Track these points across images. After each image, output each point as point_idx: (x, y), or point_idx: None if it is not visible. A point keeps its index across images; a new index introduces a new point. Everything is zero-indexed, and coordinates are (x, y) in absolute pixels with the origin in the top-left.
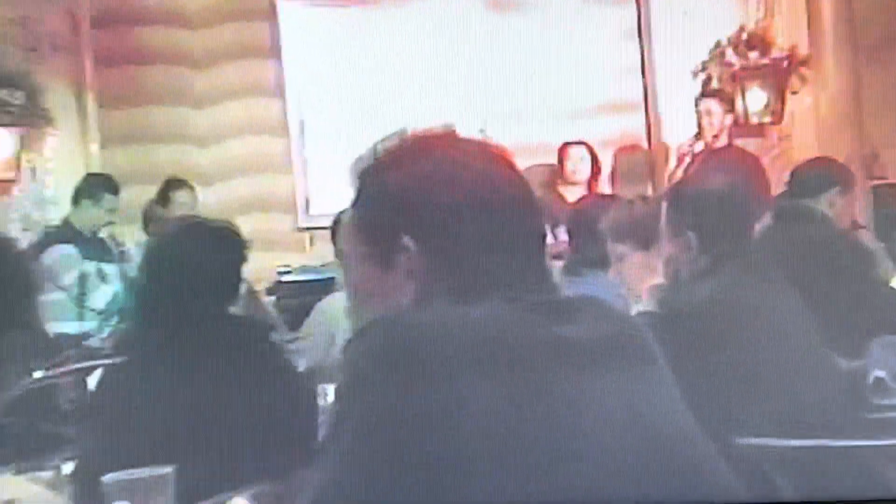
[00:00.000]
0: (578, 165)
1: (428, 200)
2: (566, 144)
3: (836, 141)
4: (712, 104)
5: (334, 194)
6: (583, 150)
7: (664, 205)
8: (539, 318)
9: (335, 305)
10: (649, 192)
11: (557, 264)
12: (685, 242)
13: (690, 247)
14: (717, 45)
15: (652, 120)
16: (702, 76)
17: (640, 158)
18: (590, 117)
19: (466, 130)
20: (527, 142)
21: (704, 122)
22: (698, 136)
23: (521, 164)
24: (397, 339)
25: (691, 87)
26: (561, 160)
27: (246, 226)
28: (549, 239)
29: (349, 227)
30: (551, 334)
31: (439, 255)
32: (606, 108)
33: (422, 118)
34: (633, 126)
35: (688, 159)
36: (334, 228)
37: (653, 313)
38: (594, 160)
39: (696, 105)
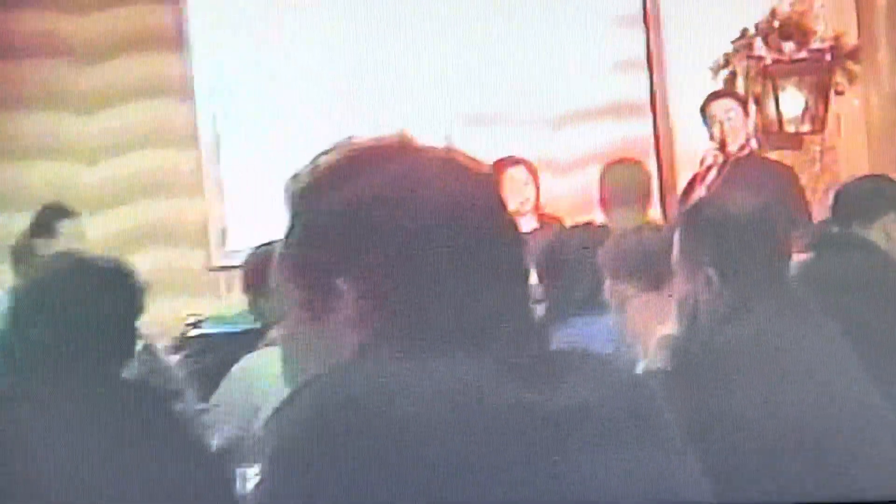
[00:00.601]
0: (523, 191)
1: (372, 228)
2: (502, 162)
3: (892, 153)
4: (729, 104)
5: (258, 223)
6: (523, 172)
7: (677, 233)
8: (518, 379)
9: (259, 366)
10: (654, 216)
11: (542, 309)
12: (704, 280)
13: (711, 285)
14: (744, 33)
15: (661, 127)
16: (724, 73)
17: (636, 175)
18: (581, 122)
19: (428, 138)
20: (503, 153)
21: (718, 129)
22: (720, 146)
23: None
24: (333, 406)
25: (710, 86)
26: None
27: (144, 264)
28: (534, 277)
29: (279, 265)
30: (533, 399)
31: (387, 299)
32: (603, 111)
33: (372, 124)
34: (636, 134)
35: (712, 174)
36: (250, 268)
37: (664, 371)
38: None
39: (704, 110)
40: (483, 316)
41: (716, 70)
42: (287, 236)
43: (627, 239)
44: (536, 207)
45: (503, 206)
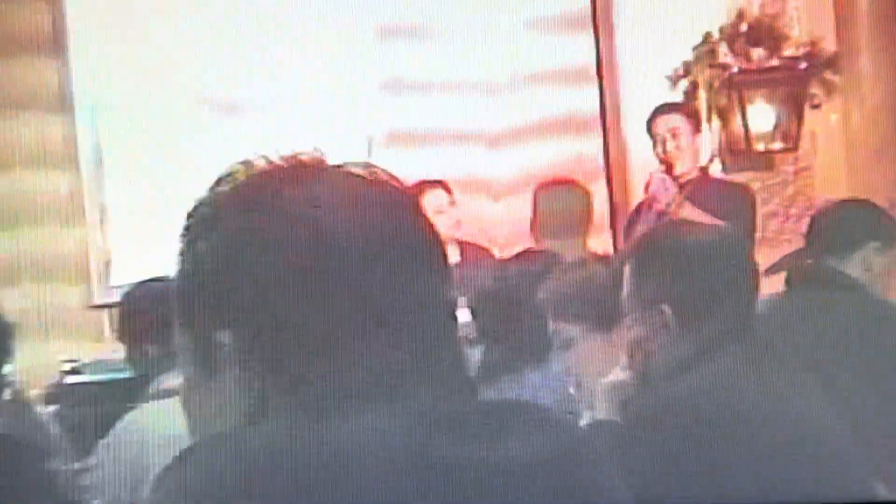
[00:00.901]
0: (443, 217)
1: (264, 268)
2: (418, 185)
3: (874, 175)
4: (675, 121)
5: (147, 255)
6: (443, 196)
7: (627, 266)
8: (444, 435)
9: (148, 421)
10: (600, 247)
11: (474, 353)
12: (659, 320)
13: (666, 326)
14: (706, 38)
15: (612, 144)
16: (684, 84)
17: (574, 199)
18: (521, 139)
19: (345, 156)
20: (430, 174)
21: (665, 147)
22: (666, 169)
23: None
24: (220, 471)
25: (669, 98)
26: None
27: (14, 301)
28: (464, 315)
29: (173, 309)
30: (461, 457)
31: (281, 354)
32: (546, 126)
33: (279, 141)
34: (584, 152)
35: (661, 200)
36: (128, 308)
37: (613, 423)
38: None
39: (650, 125)
40: (404, 363)
41: (674, 80)
42: (176, 277)
43: (571, 273)
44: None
45: (431, 233)
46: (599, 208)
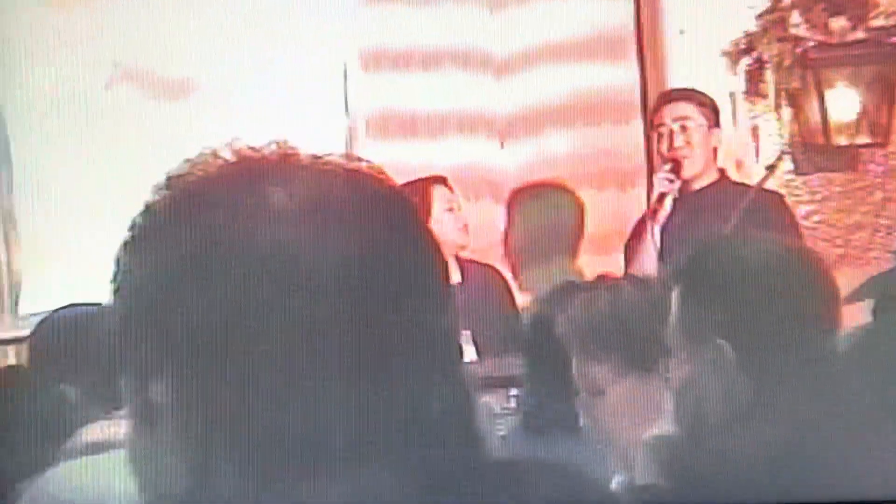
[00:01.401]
0: (455, 224)
1: (218, 294)
2: (429, 181)
3: None
4: (685, 111)
5: (67, 279)
6: (454, 196)
7: (676, 290)
8: (445, 501)
9: (70, 481)
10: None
11: (484, 400)
12: (714, 358)
13: (724, 366)
14: (775, 5)
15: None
16: (746, 61)
17: (564, 209)
18: (534, 126)
19: (322, 148)
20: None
21: (672, 142)
22: (672, 170)
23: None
24: None
25: (726, 80)
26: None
27: None
28: (469, 352)
29: (106, 341)
30: None
31: (230, 407)
32: (576, 103)
33: (243, 130)
34: (616, 144)
35: (665, 210)
36: (41, 341)
37: (656, 487)
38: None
39: (653, 116)
40: (394, 412)
41: (734, 56)
42: (110, 307)
43: (600, 300)
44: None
45: (432, 247)
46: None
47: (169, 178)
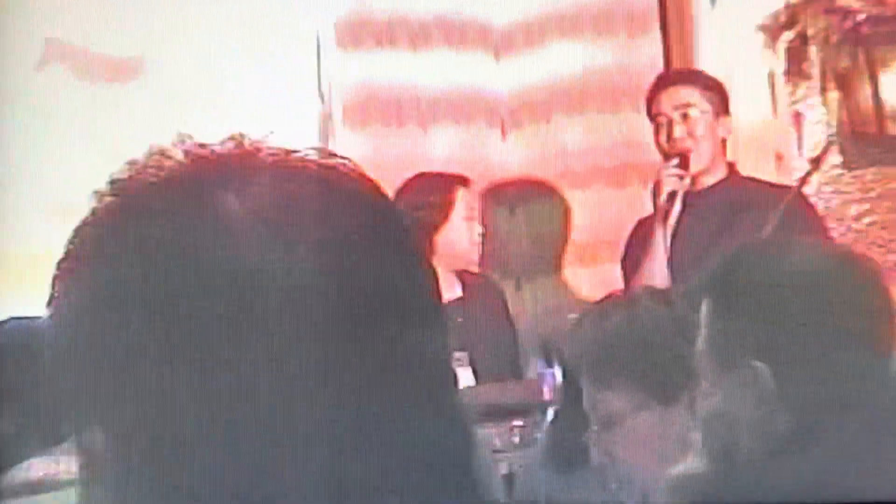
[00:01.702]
0: (466, 231)
1: (167, 320)
2: (455, 181)
3: None
4: (689, 95)
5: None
6: (470, 199)
7: (705, 306)
8: None
9: None
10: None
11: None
12: (748, 382)
13: (759, 391)
14: None
15: None
16: (787, 36)
17: (546, 213)
18: (544, 108)
19: (292, 142)
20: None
21: (672, 133)
22: (680, 164)
23: None
24: None
25: (763, 59)
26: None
27: None
28: (466, 377)
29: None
30: None
31: (177, 457)
32: (589, 92)
33: (191, 121)
34: (637, 131)
35: (675, 209)
36: None
37: None
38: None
39: (650, 103)
40: (375, 456)
41: (773, 32)
42: (48, 329)
43: (613, 318)
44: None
45: (418, 256)
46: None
47: (112, 183)
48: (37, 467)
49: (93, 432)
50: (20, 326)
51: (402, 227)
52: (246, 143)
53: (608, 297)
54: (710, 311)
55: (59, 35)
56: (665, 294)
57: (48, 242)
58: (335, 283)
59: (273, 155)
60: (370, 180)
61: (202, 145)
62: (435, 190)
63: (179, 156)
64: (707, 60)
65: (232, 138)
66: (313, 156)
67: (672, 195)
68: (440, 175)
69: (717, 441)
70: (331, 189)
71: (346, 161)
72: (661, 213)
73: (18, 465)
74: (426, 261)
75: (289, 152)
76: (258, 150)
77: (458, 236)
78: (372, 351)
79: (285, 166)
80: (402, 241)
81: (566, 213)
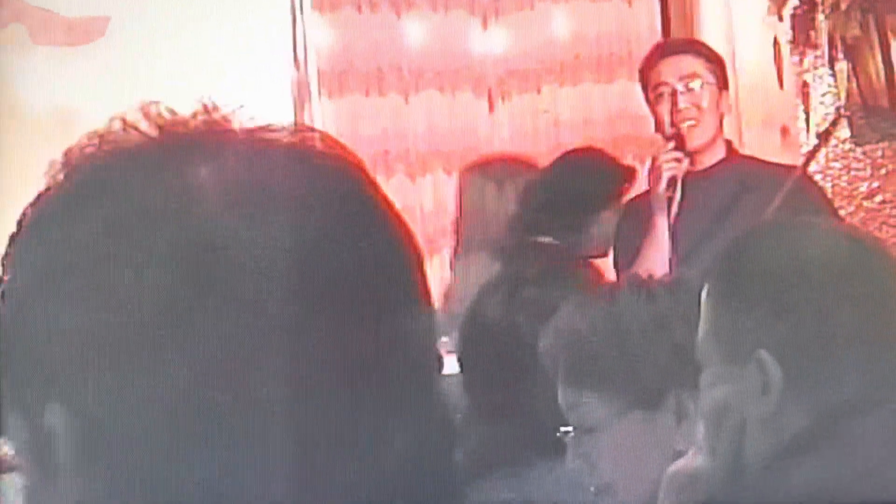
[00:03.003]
0: None
1: (125, 303)
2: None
3: None
4: (693, 64)
5: None
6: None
7: (705, 295)
8: None
9: None
10: None
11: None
12: (755, 374)
13: (766, 385)
14: None
15: None
16: (794, 2)
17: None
18: (534, 77)
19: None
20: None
21: (667, 111)
22: (675, 142)
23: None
24: None
25: (767, 25)
26: None
27: None
28: (450, 363)
29: None
30: None
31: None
32: (577, 58)
33: (156, 87)
34: (634, 102)
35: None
36: None
37: None
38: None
39: (647, 72)
40: (350, 450)
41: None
42: None
43: (597, 305)
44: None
45: (401, 234)
46: None
47: (66, 154)
48: None
49: (52, 410)
50: None
51: (380, 206)
52: (216, 115)
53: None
54: (714, 299)
55: None
56: (649, 287)
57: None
58: (308, 263)
59: (245, 129)
60: (347, 156)
61: (170, 113)
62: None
63: (144, 126)
64: (709, 27)
65: (203, 110)
66: (287, 130)
67: (672, 180)
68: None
69: (720, 437)
70: (304, 166)
71: (320, 135)
72: (663, 202)
73: None
74: (408, 241)
75: (261, 127)
76: (228, 122)
77: None
78: (347, 334)
79: (257, 140)
80: (379, 222)
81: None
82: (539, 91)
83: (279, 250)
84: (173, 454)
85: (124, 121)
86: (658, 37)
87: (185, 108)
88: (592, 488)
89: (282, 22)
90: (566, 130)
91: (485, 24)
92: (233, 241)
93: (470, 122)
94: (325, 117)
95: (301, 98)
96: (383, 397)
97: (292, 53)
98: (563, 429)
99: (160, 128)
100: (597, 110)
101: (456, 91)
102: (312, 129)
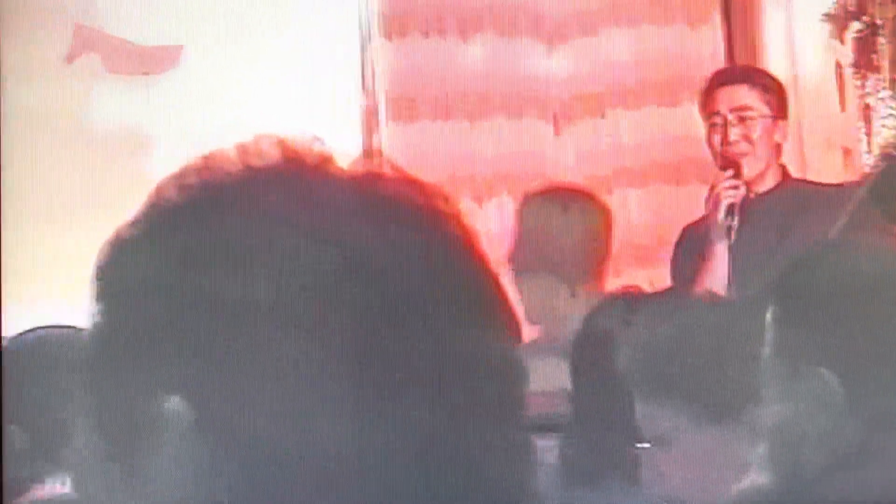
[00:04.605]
0: None
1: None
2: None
3: None
4: (747, 96)
5: (41, 297)
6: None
7: (770, 313)
8: None
9: None
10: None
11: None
12: (815, 391)
13: (827, 401)
14: None
15: None
16: (855, 26)
17: (587, 220)
18: (598, 102)
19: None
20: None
21: (727, 136)
22: (732, 170)
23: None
24: None
25: (829, 48)
26: None
27: None
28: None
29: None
30: None
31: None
32: (639, 82)
33: (228, 114)
34: (697, 127)
35: (731, 216)
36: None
37: None
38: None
39: (705, 101)
40: (425, 465)
41: (839, 21)
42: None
43: (667, 323)
44: None
45: (484, 267)
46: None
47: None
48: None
49: (174, 401)
50: (43, 333)
51: (455, 228)
52: (291, 146)
53: (656, 294)
54: (776, 318)
55: (89, 20)
56: (724, 301)
57: (75, 241)
58: (380, 281)
59: (316, 157)
60: (413, 182)
61: (256, 147)
62: None
63: (233, 156)
64: (772, 51)
65: (279, 143)
66: (356, 158)
67: (731, 208)
68: None
69: (782, 454)
70: (374, 193)
71: (387, 162)
72: (723, 230)
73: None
74: (483, 260)
75: (330, 156)
76: (301, 154)
77: None
78: (423, 348)
79: (329, 169)
80: (450, 241)
81: (607, 218)
82: (603, 115)
83: (343, 271)
84: (278, 455)
85: (218, 152)
86: (722, 61)
87: (254, 134)
88: (664, 502)
89: (351, 48)
90: (630, 154)
91: (550, 48)
92: (300, 265)
93: (535, 146)
94: (392, 142)
95: (369, 124)
96: (459, 410)
97: (361, 80)
98: (639, 445)
99: (243, 160)
100: (660, 133)
101: (521, 115)
102: (381, 155)
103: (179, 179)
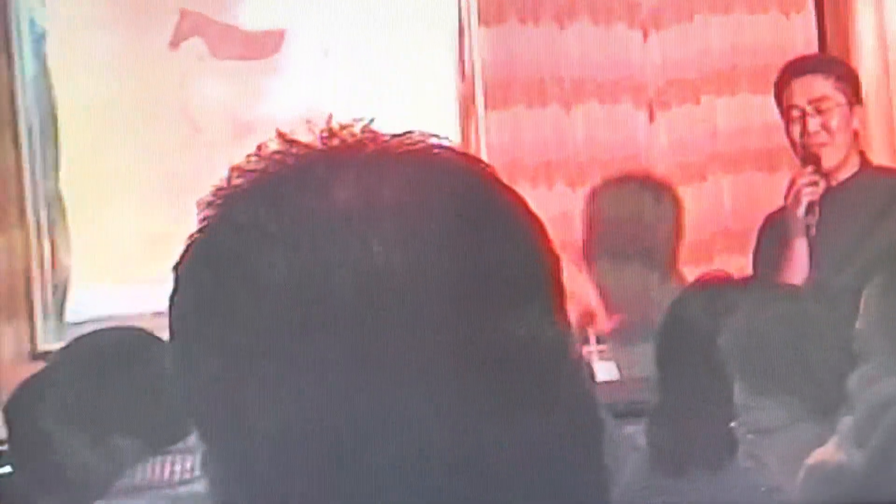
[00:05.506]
0: None
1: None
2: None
3: None
4: (823, 86)
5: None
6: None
7: (871, 287)
8: None
9: None
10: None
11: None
12: None
13: None
14: None
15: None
16: None
17: (659, 208)
18: (692, 88)
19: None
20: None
21: (807, 128)
22: (813, 163)
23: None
24: None
25: None
26: None
27: None
28: (607, 370)
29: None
30: None
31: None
32: (733, 69)
33: (327, 100)
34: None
35: (810, 208)
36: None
37: None
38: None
39: (781, 93)
40: (494, 459)
41: None
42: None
43: (770, 310)
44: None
45: (538, 239)
46: None
47: (239, 166)
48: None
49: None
50: (127, 335)
51: (509, 209)
52: (345, 132)
53: (749, 279)
54: (877, 296)
55: (194, 5)
56: (826, 292)
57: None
58: (435, 274)
59: (372, 140)
60: (477, 165)
61: (326, 129)
62: None
63: (305, 137)
64: (864, 39)
65: (342, 127)
66: (412, 139)
67: (811, 206)
68: None
69: (874, 430)
70: (428, 173)
71: (448, 146)
72: (803, 225)
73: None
74: (542, 244)
75: (393, 138)
76: (357, 136)
77: None
78: (487, 338)
79: (382, 152)
80: (506, 224)
81: (678, 206)
82: (698, 101)
83: (398, 262)
84: (316, 467)
85: (277, 140)
86: (815, 48)
87: (349, 119)
88: (763, 488)
89: (449, 36)
90: (723, 140)
91: (645, 36)
92: (359, 258)
93: (629, 132)
94: (489, 128)
95: (466, 110)
96: (512, 397)
97: (458, 66)
98: (732, 424)
99: (303, 146)
100: (754, 120)
101: (616, 102)
102: (436, 136)
103: (254, 172)
